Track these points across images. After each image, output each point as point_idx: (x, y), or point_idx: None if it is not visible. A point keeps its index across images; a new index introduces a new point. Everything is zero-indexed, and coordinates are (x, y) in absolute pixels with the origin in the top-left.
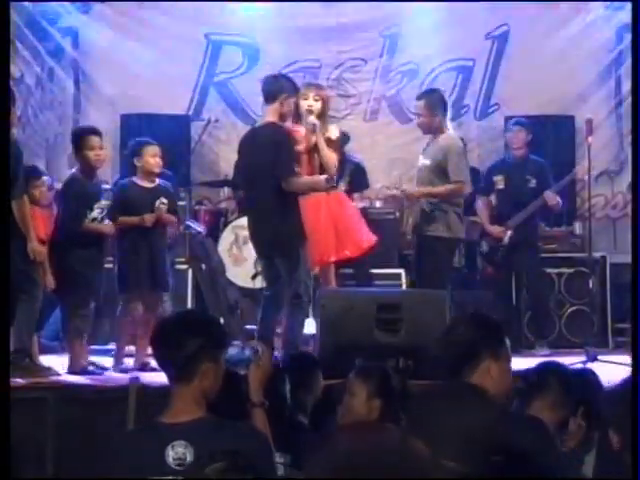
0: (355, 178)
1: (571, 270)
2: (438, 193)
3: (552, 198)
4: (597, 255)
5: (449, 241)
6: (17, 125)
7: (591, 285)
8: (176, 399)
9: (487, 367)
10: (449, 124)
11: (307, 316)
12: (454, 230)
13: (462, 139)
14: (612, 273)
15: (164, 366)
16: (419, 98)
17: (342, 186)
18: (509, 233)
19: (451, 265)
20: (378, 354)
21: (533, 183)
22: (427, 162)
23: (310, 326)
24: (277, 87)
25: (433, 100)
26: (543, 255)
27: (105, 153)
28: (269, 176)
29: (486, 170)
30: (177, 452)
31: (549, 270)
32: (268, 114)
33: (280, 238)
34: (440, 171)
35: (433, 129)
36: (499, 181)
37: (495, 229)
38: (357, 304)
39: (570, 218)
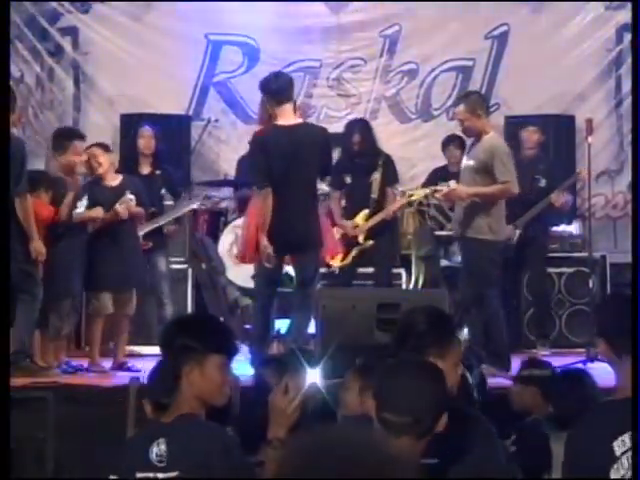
0: (387, 170)
1: (571, 270)
2: (487, 193)
3: (558, 199)
4: (597, 255)
5: (492, 243)
6: (17, 125)
7: (591, 285)
8: (172, 399)
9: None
10: (490, 126)
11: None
12: (496, 232)
13: None
14: (612, 273)
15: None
16: (457, 103)
17: (376, 176)
18: (518, 232)
19: (495, 267)
20: (378, 354)
21: (543, 183)
22: (471, 163)
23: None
24: (292, 86)
25: (473, 102)
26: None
27: None
28: (307, 176)
29: None
30: (160, 449)
31: (549, 270)
32: (290, 113)
33: (306, 237)
34: (484, 172)
35: (478, 131)
36: None
37: (507, 228)
38: (357, 304)
39: (570, 218)
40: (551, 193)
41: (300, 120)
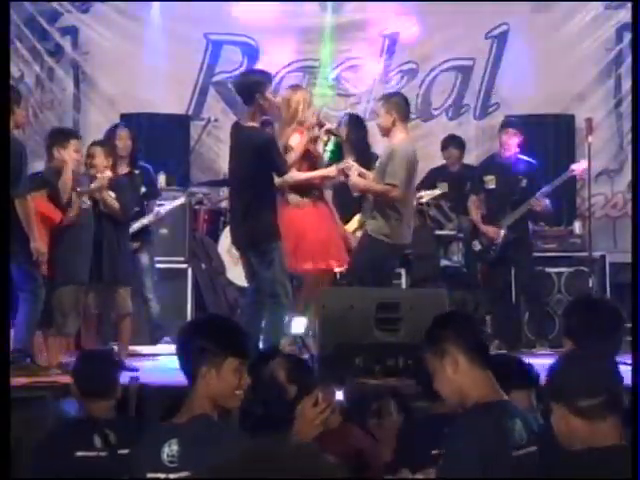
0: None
1: (571, 269)
2: (372, 190)
3: (537, 204)
4: (597, 254)
5: (382, 244)
6: (23, 124)
7: (591, 284)
8: (185, 399)
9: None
10: (404, 129)
11: (285, 315)
12: (388, 234)
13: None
14: (612, 272)
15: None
16: (379, 99)
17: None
18: (502, 232)
19: (375, 269)
20: (378, 353)
21: (524, 183)
22: (377, 164)
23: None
24: (249, 88)
25: (392, 102)
26: (543, 254)
27: None
28: (248, 176)
29: (476, 169)
30: (172, 449)
31: (549, 269)
32: (248, 115)
33: (253, 237)
34: (383, 173)
35: (386, 130)
36: (490, 181)
37: (490, 229)
38: (357, 303)
39: (570, 217)
40: (534, 193)
41: (251, 123)
